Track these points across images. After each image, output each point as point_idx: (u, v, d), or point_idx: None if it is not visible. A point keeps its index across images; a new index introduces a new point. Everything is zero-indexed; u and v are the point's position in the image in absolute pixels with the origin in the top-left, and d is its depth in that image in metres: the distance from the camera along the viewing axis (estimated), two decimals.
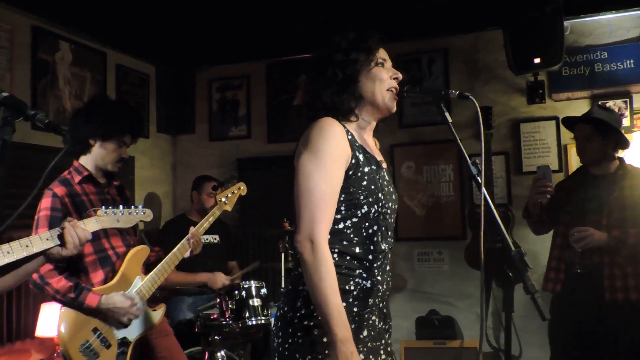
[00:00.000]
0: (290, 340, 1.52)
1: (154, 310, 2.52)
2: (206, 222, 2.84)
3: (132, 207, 1.93)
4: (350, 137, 1.57)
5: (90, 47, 4.12)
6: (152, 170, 4.81)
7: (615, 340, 2.63)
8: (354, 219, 1.55)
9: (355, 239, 1.55)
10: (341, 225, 1.54)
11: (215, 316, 3.17)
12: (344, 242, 1.54)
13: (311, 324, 1.49)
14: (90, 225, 1.72)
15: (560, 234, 2.80)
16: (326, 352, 1.45)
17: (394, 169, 4.46)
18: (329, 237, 1.49)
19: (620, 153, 2.83)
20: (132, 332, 2.38)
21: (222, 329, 3.10)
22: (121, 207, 1.86)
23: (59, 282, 2.19)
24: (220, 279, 3.62)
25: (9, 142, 1.06)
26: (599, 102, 3.95)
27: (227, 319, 3.08)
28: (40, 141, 3.42)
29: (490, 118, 3.66)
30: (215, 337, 3.13)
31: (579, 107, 4.02)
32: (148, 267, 2.58)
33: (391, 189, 1.67)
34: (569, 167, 4.01)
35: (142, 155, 4.62)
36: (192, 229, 2.71)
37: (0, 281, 1.52)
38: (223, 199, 2.97)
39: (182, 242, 2.65)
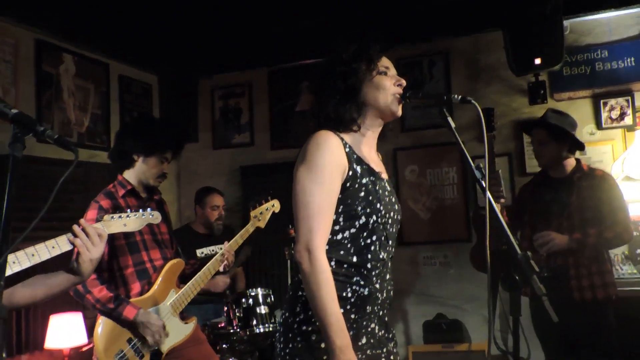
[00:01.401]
0: (290, 345, 1.54)
1: (186, 323, 2.56)
2: (240, 239, 2.85)
3: (140, 210, 1.92)
4: (347, 149, 1.58)
5: (93, 58, 4.15)
6: None
7: (589, 339, 2.67)
8: (352, 230, 1.57)
9: (352, 248, 1.56)
10: (340, 236, 1.56)
11: (222, 324, 3.18)
12: (341, 252, 1.56)
13: (309, 329, 1.52)
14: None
15: (527, 237, 2.86)
16: (324, 357, 1.47)
17: (397, 172, 4.45)
18: (327, 247, 1.52)
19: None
20: (164, 344, 2.40)
21: (230, 337, 3.11)
22: (129, 210, 1.87)
23: (101, 292, 2.26)
24: (220, 281, 3.58)
25: (19, 158, 1.07)
26: (602, 101, 3.95)
27: (235, 327, 3.09)
28: (44, 153, 3.43)
29: (493, 119, 3.65)
30: (223, 346, 3.13)
31: (581, 106, 4.02)
32: (183, 279, 2.62)
33: (393, 199, 1.68)
34: None
35: None
36: (226, 244, 2.76)
37: (19, 295, 1.50)
38: (257, 216, 2.96)
39: (215, 257, 2.69)
